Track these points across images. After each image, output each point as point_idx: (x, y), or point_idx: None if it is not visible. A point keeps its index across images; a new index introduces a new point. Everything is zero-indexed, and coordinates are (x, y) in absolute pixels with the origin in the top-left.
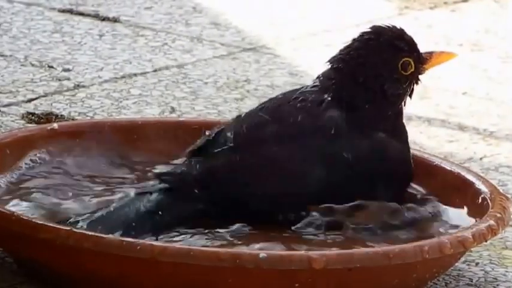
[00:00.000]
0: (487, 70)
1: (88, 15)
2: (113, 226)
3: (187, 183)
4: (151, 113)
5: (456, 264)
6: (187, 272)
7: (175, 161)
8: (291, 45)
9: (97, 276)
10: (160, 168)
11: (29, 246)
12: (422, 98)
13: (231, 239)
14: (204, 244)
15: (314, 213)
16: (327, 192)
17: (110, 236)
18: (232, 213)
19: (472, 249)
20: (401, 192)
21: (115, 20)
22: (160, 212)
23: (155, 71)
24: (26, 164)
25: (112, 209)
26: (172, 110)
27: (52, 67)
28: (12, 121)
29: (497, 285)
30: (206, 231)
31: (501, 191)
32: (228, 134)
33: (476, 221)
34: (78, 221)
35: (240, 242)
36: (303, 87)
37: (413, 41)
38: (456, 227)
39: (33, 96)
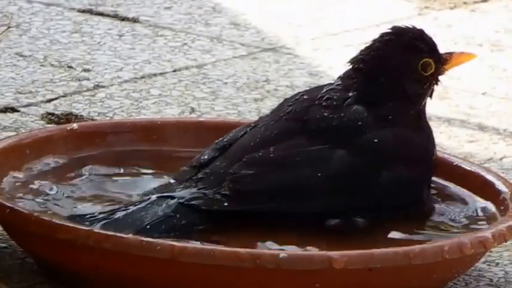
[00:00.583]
0: (507, 70)
1: (107, 15)
2: (126, 228)
3: (217, 200)
4: (171, 113)
5: (476, 264)
6: (207, 272)
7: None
8: (310, 46)
9: (116, 277)
10: (181, 194)
11: (49, 247)
12: (442, 99)
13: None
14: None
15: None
16: (353, 181)
17: (130, 236)
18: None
19: (492, 249)
20: (422, 184)
21: (134, 20)
22: (177, 215)
23: (175, 71)
24: (44, 164)
25: (130, 210)
26: (192, 110)
27: (71, 67)
28: (32, 121)
29: None
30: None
31: None
32: (249, 141)
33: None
34: (94, 221)
35: (262, 242)
36: (325, 86)
37: (434, 42)
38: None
39: (53, 97)
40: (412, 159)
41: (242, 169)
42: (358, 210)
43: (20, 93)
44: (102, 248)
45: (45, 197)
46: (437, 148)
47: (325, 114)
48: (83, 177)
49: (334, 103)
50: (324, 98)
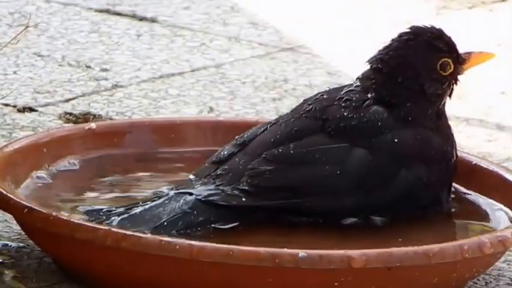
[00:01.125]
0: None
1: (125, 15)
2: (143, 224)
3: (235, 196)
4: (190, 112)
5: (496, 263)
6: (226, 272)
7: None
8: (328, 45)
9: (135, 276)
10: (199, 191)
11: (67, 246)
12: (460, 98)
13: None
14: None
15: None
16: (372, 180)
17: (148, 236)
18: (279, 217)
19: None
20: (441, 185)
21: (152, 20)
22: (195, 212)
23: (193, 71)
24: (62, 164)
25: (147, 206)
26: (211, 109)
27: (90, 67)
28: (50, 121)
29: None
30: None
31: None
32: (269, 137)
33: None
34: (110, 216)
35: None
36: (344, 87)
37: (453, 41)
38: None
39: (71, 96)
40: (431, 159)
41: (261, 165)
42: (376, 209)
43: (38, 92)
44: (120, 248)
45: (64, 197)
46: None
47: (345, 114)
48: (102, 177)
49: (354, 104)
50: (343, 99)
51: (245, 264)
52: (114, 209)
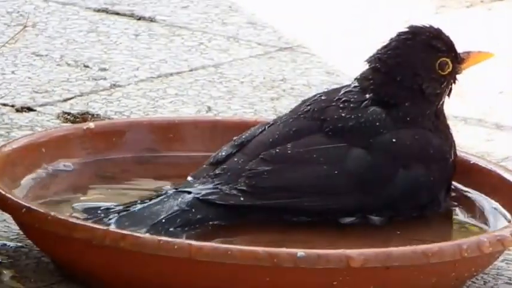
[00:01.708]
0: None
1: (124, 14)
2: (142, 221)
3: (233, 195)
4: (188, 112)
5: (495, 263)
6: (225, 271)
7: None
8: (327, 44)
9: (133, 276)
10: (198, 189)
11: (65, 246)
12: (458, 98)
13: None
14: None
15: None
16: (370, 179)
17: (147, 235)
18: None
19: (510, 247)
20: (439, 184)
21: (151, 20)
22: (193, 210)
23: (191, 70)
24: (61, 163)
25: (146, 204)
26: (209, 109)
27: (88, 67)
28: (48, 121)
29: None
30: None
31: None
32: (267, 138)
33: None
34: (108, 214)
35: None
36: (342, 88)
37: (451, 41)
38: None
39: (69, 96)
40: (429, 159)
41: (259, 165)
42: (374, 208)
43: (37, 92)
44: (118, 248)
45: (62, 197)
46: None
47: (343, 114)
48: (100, 177)
49: (352, 105)
50: (341, 100)
51: (243, 263)
52: (112, 206)
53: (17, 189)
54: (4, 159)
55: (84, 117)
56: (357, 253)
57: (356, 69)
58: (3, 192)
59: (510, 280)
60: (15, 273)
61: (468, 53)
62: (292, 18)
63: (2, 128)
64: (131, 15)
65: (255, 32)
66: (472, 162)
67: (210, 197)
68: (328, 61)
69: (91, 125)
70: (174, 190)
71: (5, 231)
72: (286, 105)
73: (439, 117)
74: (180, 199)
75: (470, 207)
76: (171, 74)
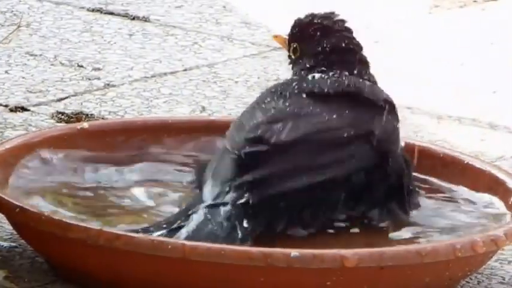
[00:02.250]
0: None
1: (118, 14)
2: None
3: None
4: (182, 112)
5: (488, 262)
6: (219, 271)
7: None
8: None
9: (128, 275)
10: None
11: (59, 246)
12: (453, 97)
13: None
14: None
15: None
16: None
17: (140, 235)
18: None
19: (504, 247)
20: None
21: (145, 20)
22: (242, 222)
23: (185, 70)
24: (54, 163)
25: (195, 226)
26: (203, 109)
27: (82, 66)
28: (42, 120)
29: None
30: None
31: None
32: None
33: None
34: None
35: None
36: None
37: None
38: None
39: (63, 96)
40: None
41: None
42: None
43: (30, 92)
44: (113, 247)
45: (56, 196)
46: (448, 146)
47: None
48: (94, 177)
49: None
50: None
51: (237, 263)
52: (151, 229)
53: (11, 189)
54: None
55: (78, 117)
56: (352, 253)
57: None
58: None
59: (504, 280)
60: (9, 274)
61: None
62: (286, 18)
63: None
64: (125, 15)
65: (249, 31)
66: (466, 162)
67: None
68: None
69: (85, 124)
70: (205, 205)
71: None
72: None
73: None
74: (222, 213)
75: (462, 206)
76: (165, 74)
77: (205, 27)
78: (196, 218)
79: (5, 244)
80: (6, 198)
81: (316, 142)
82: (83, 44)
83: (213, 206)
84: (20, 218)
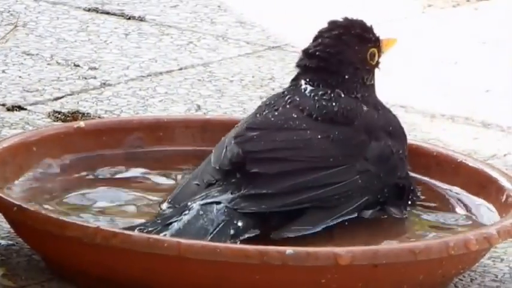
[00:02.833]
0: (510, 67)
1: (114, 14)
2: (194, 238)
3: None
4: (177, 111)
5: (481, 260)
6: (214, 269)
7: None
8: None
9: (124, 273)
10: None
11: (56, 244)
12: (445, 96)
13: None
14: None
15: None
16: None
17: (137, 233)
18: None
19: (497, 245)
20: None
21: (141, 19)
22: (235, 221)
23: (181, 69)
24: (51, 162)
25: (186, 221)
26: (198, 108)
27: (78, 66)
28: (39, 119)
29: None
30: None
31: None
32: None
33: (501, 217)
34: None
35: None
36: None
37: (374, 30)
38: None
39: (60, 95)
40: (392, 134)
41: (247, 132)
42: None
43: (27, 91)
44: (109, 245)
45: (53, 195)
46: (442, 145)
47: (317, 105)
48: (90, 175)
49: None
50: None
51: (233, 261)
52: (147, 225)
53: (8, 188)
54: None
55: (74, 116)
56: (345, 251)
57: None
58: None
59: (496, 277)
60: (6, 271)
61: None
62: (280, 18)
63: None
64: (121, 15)
65: (244, 31)
66: (459, 161)
67: (238, 206)
68: None
69: (81, 123)
70: (199, 203)
71: None
72: None
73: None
74: (215, 211)
75: (456, 204)
76: (161, 73)
77: (200, 26)
78: (189, 214)
79: (3, 242)
80: (3, 196)
81: (291, 158)
82: (79, 44)
83: (207, 204)
84: (17, 217)
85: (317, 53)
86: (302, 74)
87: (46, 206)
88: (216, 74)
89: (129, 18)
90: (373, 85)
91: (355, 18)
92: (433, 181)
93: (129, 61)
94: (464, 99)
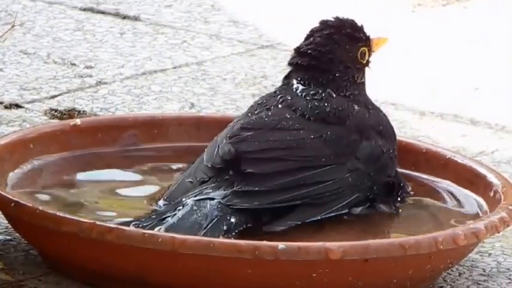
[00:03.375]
0: (498, 66)
1: (109, 13)
2: (187, 233)
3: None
4: (172, 108)
5: (469, 255)
6: (208, 264)
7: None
8: None
9: (119, 268)
10: (220, 195)
11: (53, 239)
12: (435, 94)
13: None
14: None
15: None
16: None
17: (132, 228)
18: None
19: (484, 240)
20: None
21: (135, 18)
22: (228, 217)
23: (175, 67)
24: (48, 159)
25: (180, 216)
26: (192, 105)
27: (74, 64)
28: (36, 117)
29: (510, 275)
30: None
31: None
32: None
33: (488, 213)
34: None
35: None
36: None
37: (365, 29)
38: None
39: (56, 93)
40: (382, 133)
41: (241, 132)
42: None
43: (24, 89)
44: (105, 240)
45: (49, 191)
46: (431, 142)
47: (310, 105)
48: (86, 172)
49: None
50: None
51: (226, 256)
52: (142, 220)
53: (6, 184)
54: None
55: (71, 113)
56: (336, 245)
57: None
58: None
59: (484, 271)
60: (4, 266)
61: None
62: (273, 17)
63: None
64: (116, 14)
65: (237, 30)
66: (448, 157)
67: (230, 203)
68: None
69: (77, 121)
70: (193, 199)
71: None
72: None
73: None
74: (208, 206)
75: (444, 199)
76: (155, 72)
77: (194, 25)
78: (183, 209)
79: (0, 237)
80: (1, 193)
81: (284, 158)
82: (75, 43)
83: (200, 200)
84: (15, 212)
85: (308, 52)
86: (294, 72)
87: (42, 199)
88: (210, 72)
89: (124, 18)
90: (363, 83)
91: (346, 17)
92: (423, 175)
93: (124, 60)
94: (453, 97)
